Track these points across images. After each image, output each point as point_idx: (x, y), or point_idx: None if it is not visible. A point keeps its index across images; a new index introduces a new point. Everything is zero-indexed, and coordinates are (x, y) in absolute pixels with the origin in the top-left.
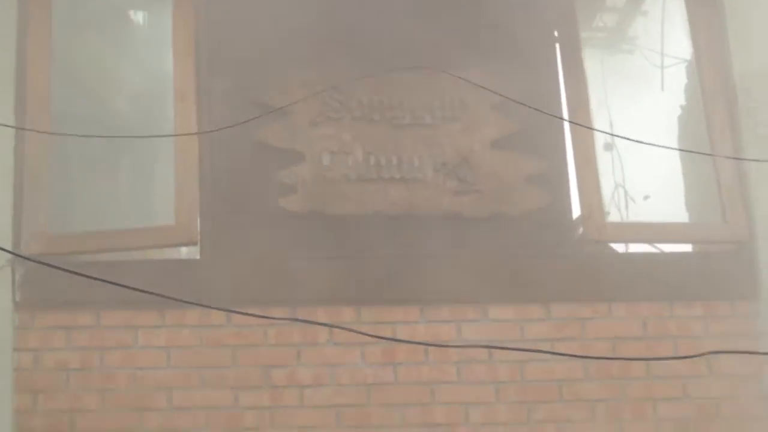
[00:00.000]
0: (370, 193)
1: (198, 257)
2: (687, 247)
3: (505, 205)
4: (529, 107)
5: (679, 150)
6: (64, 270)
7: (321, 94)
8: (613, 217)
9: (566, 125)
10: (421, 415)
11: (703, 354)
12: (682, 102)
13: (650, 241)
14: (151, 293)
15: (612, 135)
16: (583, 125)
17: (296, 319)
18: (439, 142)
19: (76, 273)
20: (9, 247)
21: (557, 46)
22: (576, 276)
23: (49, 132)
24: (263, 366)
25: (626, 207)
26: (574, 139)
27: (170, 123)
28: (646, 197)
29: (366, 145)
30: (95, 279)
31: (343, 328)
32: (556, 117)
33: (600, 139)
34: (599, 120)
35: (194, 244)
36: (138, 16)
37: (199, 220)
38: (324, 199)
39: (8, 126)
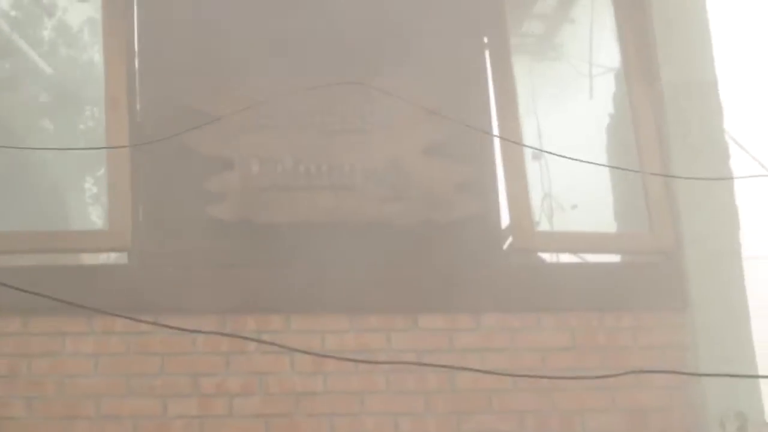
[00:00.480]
0: (298, 201)
1: (126, 261)
2: (616, 258)
3: (435, 213)
4: (455, 121)
5: (606, 166)
6: None
7: (250, 101)
8: (542, 226)
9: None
10: (350, 425)
11: (628, 372)
12: (611, 110)
13: (578, 251)
14: (79, 306)
15: (539, 150)
16: (510, 140)
17: (222, 333)
18: (369, 148)
19: (4, 284)
20: None
21: (486, 52)
22: (505, 285)
23: None
24: (192, 374)
25: (554, 217)
26: (503, 147)
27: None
28: (574, 206)
29: (295, 152)
30: (21, 290)
31: (269, 343)
32: (482, 131)
33: (528, 149)
34: (528, 127)
35: (126, 250)
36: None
37: (131, 228)
38: (253, 207)
39: None
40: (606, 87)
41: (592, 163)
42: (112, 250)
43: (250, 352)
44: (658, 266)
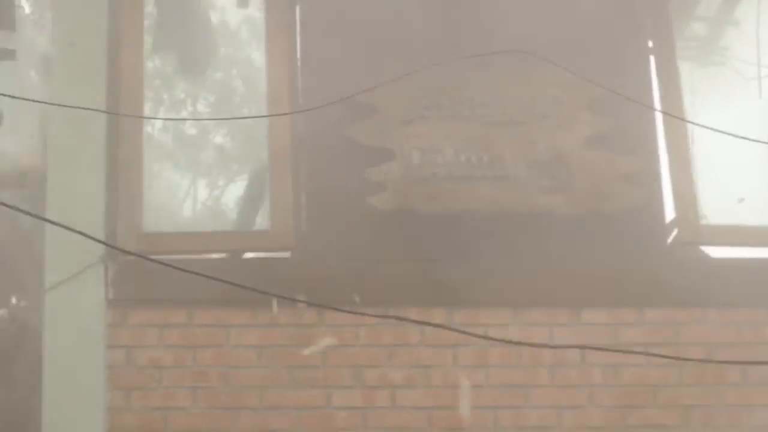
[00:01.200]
0: (460, 191)
1: (289, 256)
2: None
3: (600, 204)
4: (628, 99)
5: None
6: (159, 262)
7: (412, 91)
8: (708, 219)
9: (659, 126)
10: (514, 418)
11: None
12: None
13: (745, 245)
14: (244, 287)
15: (705, 127)
16: (678, 117)
17: (388, 316)
18: (531, 139)
19: (171, 266)
20: (102, 246)
21: (651, 55)
22: (670, 280)
23: (142, 116)
24: (355, 366)
25: (720, 210)
26: (668, 140)
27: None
28: (741, 200)
29: (456, 142)
30: (189, 272)
31: (436, 326)
32: (652, 109)
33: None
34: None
35: (288, 250)
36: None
37: (293, 225)
38: (414, 197)
39: (100, 111)
40: None
41: (754, 140)
42: (276, 249)
43: (412, 345)
44: None
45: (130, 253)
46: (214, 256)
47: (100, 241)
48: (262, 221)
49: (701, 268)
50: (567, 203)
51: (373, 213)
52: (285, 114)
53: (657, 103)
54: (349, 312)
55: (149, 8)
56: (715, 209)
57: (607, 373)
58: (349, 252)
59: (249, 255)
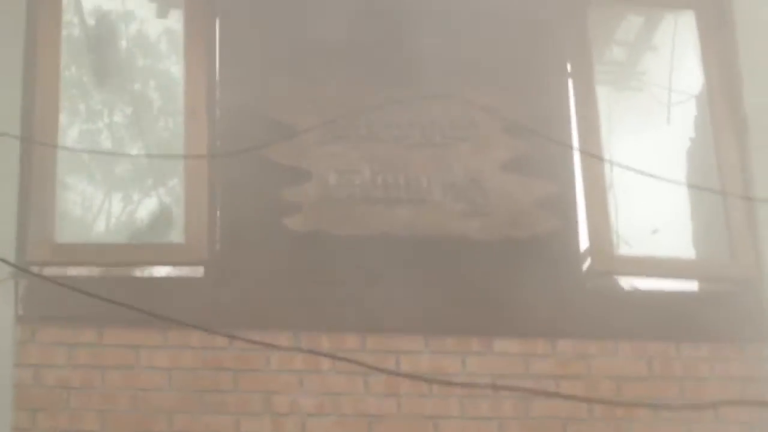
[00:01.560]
0: (376, 214)
1: (202, 272)
2: (694, 286)
3: (514, 229)
4: (539, 134)
5: (688, 186)
6: (67, 286)
7: (329, 110)
8: (621, 250)
9: (576, 157)
10: None
11: (714, 404)
12: (692, 135)
13: (658, 276)
14: (155, 315)
15: (620, 166)
16: (591, 154)
17: (299, 349)
18: (448, 162)
19: (80, 290)
20: (12, 257)
21: (569, 78)
22: (583, 310)
23: (56, 146)
24: (265, 392)
25: (633, 241)
26: (584, 168)
27: (180, 139)
28: (654, 231)
29: (373, 164)
30: (99, 298)
31: (341, 359)
32: (563, 144)
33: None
34: (606, 154)
35: (202, 263)
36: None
37: (207, 241)
38: (329, 219)
39: (12, 136)
40: (687, 112)
41: (672, 181)
42: (188, 263)
43: (324, 372)
44: (739, 296)
45: (37, 275)
46: (127, 270)
47: (5, 261)
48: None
49: (614, 298)
50: (482, 228)
51: (287, 234)
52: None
53: (574, 127)
54: (257, 343)
55: (68, 16)
56: (629, 239)
57: (517, 405)
58: (263, 272)
59: (162, 269)
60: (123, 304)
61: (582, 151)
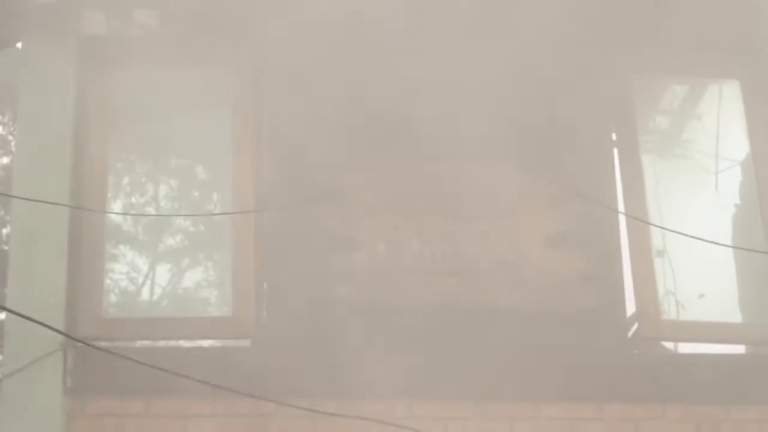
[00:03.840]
0: (424, 285)
1: (249, 344)
2: (741, 349)
3: (559, 304)
4: (588, 199)
5: (730, 246)
6: (115, 354)
7: (378, 179)
8: (668, 315)
9: (621, 224)
10: None
11: None
12: (737, 201)
13: (704, 341)
14: (202, 382)
15: (666, 230)
16: (637, 218)
17: (347, 416)
18: (494, 236)
19: (128, 358)
20: (62, 330)
21: (615, 148)
22: (630, 375)
23: (103, 211)
24: None
25: (680, 307)
26: (630, 235)
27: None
28: (701, 296)
29: (422, 236)
30: (147, 365)
31: (395, 425)
32: (610, 208)
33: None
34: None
35: (249, 337)
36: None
37: (254, 312)
38: (378, 289)
39: (63, 204)
40: (732, 179)
41: (716, 243)
42: (235, 336)
43: None
44: None
45: (86, 343)
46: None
47: (56, 330)
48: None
49: (661, 362)
50: (526, 301)
51: (336, 302)
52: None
53: (620, 197)
54: (305, 409)
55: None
56: (675, 305)
57: None
58: (311, 340)
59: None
60: (171, 371)
61: (627, 215)
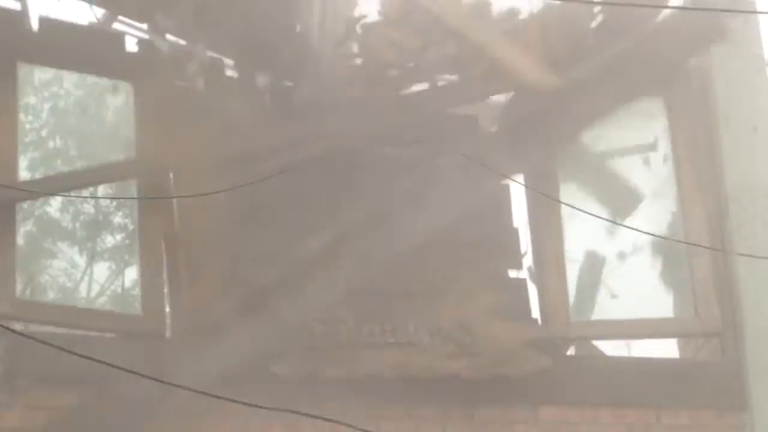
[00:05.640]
0: (364, 358)
1: None
2: (675, 354)
3: (505, 368)
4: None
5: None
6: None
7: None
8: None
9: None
10: None
11: None
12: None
13: (617, 338)
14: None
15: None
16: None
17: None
18: (433, 310)
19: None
20: None
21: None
22: (564, 379)
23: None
24: None
25: (600, 305)
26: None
27: None
28: (614, 296)
29: (359, 314)
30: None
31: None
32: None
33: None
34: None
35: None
36: None
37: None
38: (316, 363)
39: None
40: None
41: (634, 228)
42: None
43: None
44: (718, 365)
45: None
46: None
47: None
48: None
49: (593, 367)
50: (472, 367)
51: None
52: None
53: None
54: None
55: None
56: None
57: None
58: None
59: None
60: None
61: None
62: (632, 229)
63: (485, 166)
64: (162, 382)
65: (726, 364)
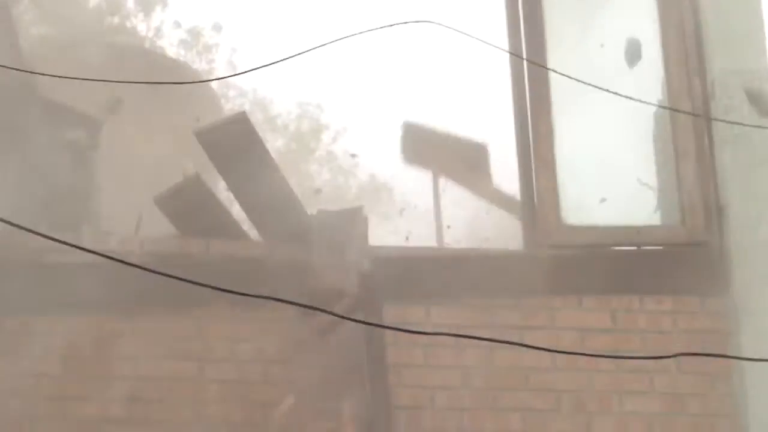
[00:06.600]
0: None
1: None
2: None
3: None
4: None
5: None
6: None
7: None
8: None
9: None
10: None
11: (673, 355)
12: (659, 97)
13: (605, 245)
14: None
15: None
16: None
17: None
18: None
19: None
20: None
21: None
22: (547, 269)
23: None
24: (230, 340)
25: (588, 209)
26: (535, 141)
27: None
28: (602, 200)
29: None
30: None
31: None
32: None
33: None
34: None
35: None
36: None
37: None
38: None
39: None
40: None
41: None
42: None
43: None
44: (701, 251)
45: None
46: None
47: None
48: None
49: (576, 257)
50: None
51: None
52: None
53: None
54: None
55: None
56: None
57: (480, 355)
58: None
59: None
60: None
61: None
62: (621, 95)
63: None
64: None
65: (709, 251)
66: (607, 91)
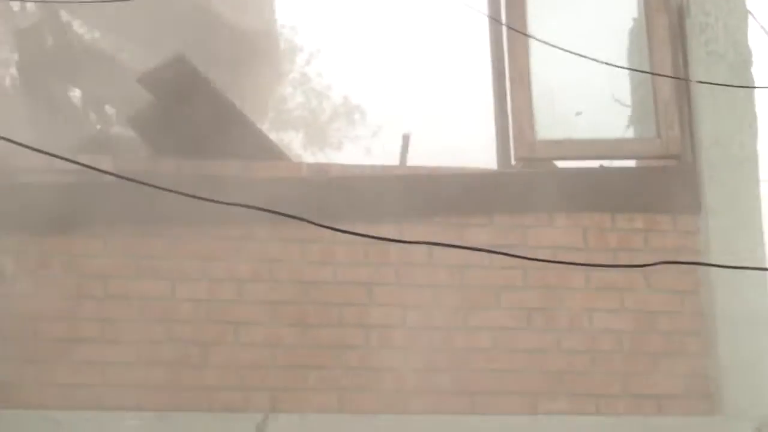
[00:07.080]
0: None
1: None
2: (631, 162)
3: None
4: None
5: (611, 65)
6: None
7: None
8: (544, 134)
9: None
10: (358, 315)
11: (649, 264)
12: (635, 15)
13: (581, 158)
14: None
15: (545, 43)
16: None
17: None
18: None
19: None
20: None
21: None
22: (518, 189)
23: None
24: (202, 259)
25: (563, 123)
26: (510, 57)
27: None
28: (578, 113)
29: None
30: None
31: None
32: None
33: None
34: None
35: None
36: None
37: None
38: None
39: None
40: None
41: (594, 60)
42: None
43: (262, 240)
44: (673, 170)
45: None
46: None
47: None
48: None
49: (546, 176)
50: None
51: None
52: None
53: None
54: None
55: None
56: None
57: (452, 274)
58: None
59: None
60: None
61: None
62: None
63: None
64: None
65: (681, 169)
66: None
